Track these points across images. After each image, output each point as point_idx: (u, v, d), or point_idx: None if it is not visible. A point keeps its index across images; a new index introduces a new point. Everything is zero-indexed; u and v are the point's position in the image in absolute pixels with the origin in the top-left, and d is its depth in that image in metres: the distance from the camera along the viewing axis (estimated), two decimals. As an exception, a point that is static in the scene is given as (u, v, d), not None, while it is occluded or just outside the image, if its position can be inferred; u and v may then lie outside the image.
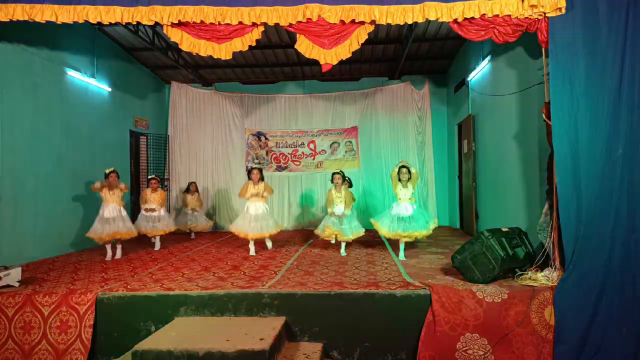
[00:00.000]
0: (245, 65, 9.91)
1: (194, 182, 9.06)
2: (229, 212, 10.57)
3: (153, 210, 7.14)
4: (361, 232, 6.36)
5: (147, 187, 7.52)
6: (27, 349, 4.13)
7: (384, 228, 5.90)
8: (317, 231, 6.52)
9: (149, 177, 7.64)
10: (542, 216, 4.61)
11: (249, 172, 6.71)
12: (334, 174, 6.55)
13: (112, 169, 6.49)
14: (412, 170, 5.94)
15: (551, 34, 4.13)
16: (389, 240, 7.15)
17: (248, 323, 3.99)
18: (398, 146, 10.49)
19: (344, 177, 6.55)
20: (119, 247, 6.40)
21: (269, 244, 6.86)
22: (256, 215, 6.47)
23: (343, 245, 6.39)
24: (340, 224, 6.29)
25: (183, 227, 8.55)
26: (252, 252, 6.50)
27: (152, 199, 7.25)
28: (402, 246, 5.95)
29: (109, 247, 6.28)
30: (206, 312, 4.22)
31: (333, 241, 7.02)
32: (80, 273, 5.38)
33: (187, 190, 8.87)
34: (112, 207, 6.27)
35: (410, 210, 5.86)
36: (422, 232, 5.77)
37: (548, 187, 4.55)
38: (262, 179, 6.60)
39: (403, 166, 5.97)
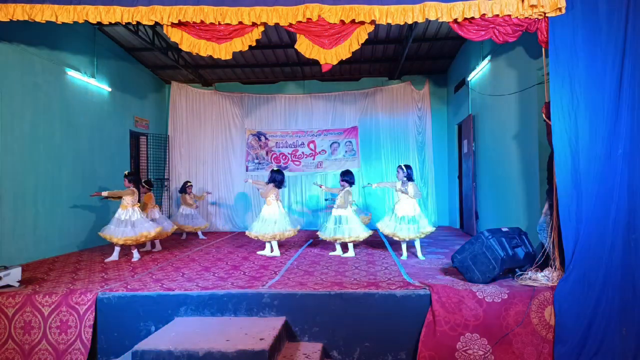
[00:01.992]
0: (245, 65, 9.91)
1: (191, 184, 9.05)
2: (229, 212, 10.58)
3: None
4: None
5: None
6: (27, 349, 4.13)
7: (384, 227, 6.00)
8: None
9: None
10: (542, 216, 4.61)
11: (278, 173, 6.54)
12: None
13: (126, 172, 6.48)
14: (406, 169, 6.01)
15: (551, 34, 4.13)
16: (389, 240, 7.17)
17: (248, 323, 3.99)
18: (398, 146, 10.50)
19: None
20: (135, 251, 6.29)
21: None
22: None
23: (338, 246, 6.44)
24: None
25: (184, 227, 8.60)
26: (267, 251, 6.47)
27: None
28: (404, 246, 5.99)
29: (117, 250, 6.24)
30: (206, 312, 4.22)
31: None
32: (80, 273, 5.38)
33: (184, 191, 8.84)
34: (128, 209, 6.22)
35: (411, 211, 5.89)
36: (410, 234, 5.80)
37: (548, 187, 4.55)
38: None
39: (399, 165, 6.09)
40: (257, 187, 6.83)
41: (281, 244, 7.25)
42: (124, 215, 6.19)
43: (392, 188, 6.30)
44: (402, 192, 5.94)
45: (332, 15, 4.31)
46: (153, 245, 7.22)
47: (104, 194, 6.25)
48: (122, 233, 6.05)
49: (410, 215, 5.86)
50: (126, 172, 6.55)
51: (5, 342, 4.15)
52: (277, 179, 6.51)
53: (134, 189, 6.39)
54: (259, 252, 6.49)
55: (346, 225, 6.22)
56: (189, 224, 8.64)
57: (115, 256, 6.23)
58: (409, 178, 5.96)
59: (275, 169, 6.72)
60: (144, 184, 7.50)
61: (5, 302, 4.23)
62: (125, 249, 6.49)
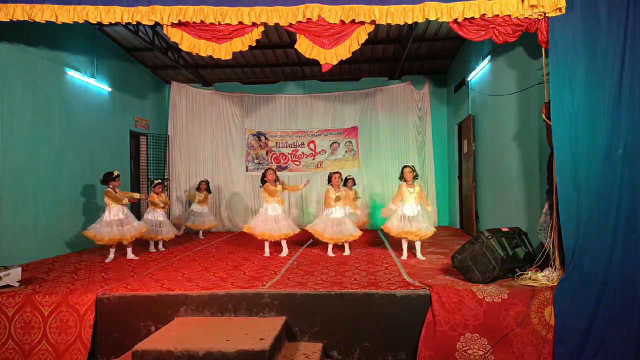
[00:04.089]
0: (245, 65, 9.91)
1: (204, 181, 9.05)
2: (229, 212, 10.58)
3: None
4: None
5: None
6: (27, 349, 4.13)
7: (390, 227, 5.95)
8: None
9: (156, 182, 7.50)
10: (542, 216, 4.60)
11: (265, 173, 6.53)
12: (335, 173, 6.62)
13: (117, 172, 6.45)
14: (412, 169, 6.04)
15: (551, 34, 4.13)
16: (389, 240, 7.17)
17: (248, 323, 3.99)
18: (398, 146, 10.50)
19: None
20: (129, 249, 6.35)
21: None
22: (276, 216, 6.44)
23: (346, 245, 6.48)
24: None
25: (191, 225, 8.66)
26: (267, 253, 6.43)
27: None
28: (404, 246, 6.00)
29: (112, 250, 6.26)
30: (206, 312, 4.22)
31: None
32: (80, 273, 5.38)
33: (198, 188, 8.97)
34: (117, 209, 6.21)
35: (416, 211, 5.91)
36: (427, 232, 5.84)
37: (548, 187, 4.55)
38: (277, 179, 6.60)
39: (406, 166, 6.07)
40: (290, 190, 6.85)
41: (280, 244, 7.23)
42: (115, 215, 6.24)
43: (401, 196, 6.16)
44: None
45: (332, 15, 4.31)
46: (156, 245, 7.22)
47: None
48: (118, 233, 6.13)
49: (415, 215, 5.87)
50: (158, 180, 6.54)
51: (5, 342, 4.15)
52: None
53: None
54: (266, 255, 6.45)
55: (344, 227, 6.30)
56: (202, 222, 8.72)
57: (111, 256, 6.25)
58: (401, 178, 6.03)
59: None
60: (165, 183, 7.47)
61: (5, 302, 4.24)
62: (122, 249, 6.50)
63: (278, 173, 10.38)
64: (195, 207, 8.87)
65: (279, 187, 6.52)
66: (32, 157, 6.42)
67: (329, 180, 6.58)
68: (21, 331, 4.17)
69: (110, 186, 6.25)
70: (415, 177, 6.01)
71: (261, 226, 6.30)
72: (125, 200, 6.24)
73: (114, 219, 6.14)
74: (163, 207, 7.23)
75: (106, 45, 8.35)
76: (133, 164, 9.53)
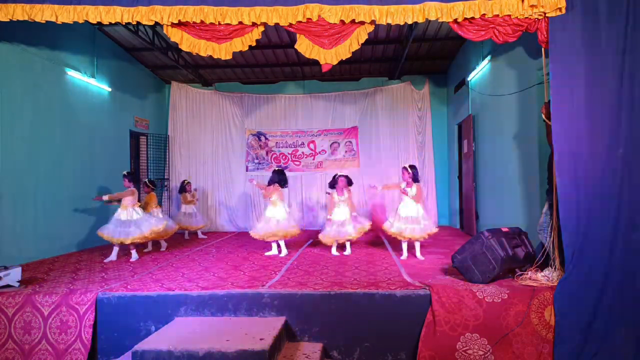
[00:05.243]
0: (245, 65, 9.91)
1: (188, 182, 9.03)
2: (229, 212, 10.58)
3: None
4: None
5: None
6: (27, 349, 4.13)
7: (388, 227, 5.99)
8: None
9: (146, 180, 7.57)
10: (542, 216, 4.61)
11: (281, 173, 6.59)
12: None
13: (125, 172, 6.46)
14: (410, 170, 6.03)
15: (551, 34, 4.13)
16: (389, 240, 7.17)
17: (248, 323, 3.99)
18: (398, 146, 10.49)
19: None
20: (133, 251, 6.30)
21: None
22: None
23: (348, 244, 6.49)
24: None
25: (186, 227, 8.60)
26: (285, 252, 6.45)
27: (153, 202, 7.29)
28: (404, 246, 6.00)
29: (115, 250, 6.24)
30: (206, 312, 4.22)
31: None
32: (80, 273, 5.38)
33: (184, 190, 8.83)
34: (121, 210, 6.21)
35: (414, 212, 5.89)
36: (414, 235, 5.82)
37: (548, 187, 4.55)
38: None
39: (404, 167, 6.09)
40: (260, 189, 6.86)
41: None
42: (124, 215, 6.18)
43: (398, 190, 6.29)
44: (406, 193, 5.94)
45: (332, 15, 4.30)
46: (158, 245, 7.22)
47: (105, 197, 6.24)
48: (125, 234, 6.02)
49: (413, 215, 5.85)
50: (125, 172, 6.55)
51: (5, 342, 4.15)
52: (275, 179, 6.49)
53: (134, 188, 6.38)
54: (267, 253, 6.47)
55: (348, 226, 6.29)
56: (191, 223, 8.65)
57: (113, 256, 6.22)
58: (414, 179, 5.95)
59: (276, 169, 6.71)
60: (148, 183, 7.48)
61: (5, 302, 4.23)
62: (124, 249, 6.48)
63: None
64: (187, 208, 8.75)
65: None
66: (32, 157, 6.42)
67: (334, 184, 6.53)
68: (21, 331, 4.17)
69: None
70: (414, 177, 5.94)
71: (260, 228, 6.39)
72: (105, 197, 6.26)
73: (123, 220, 6.15)
74: (145, 209, 7.21)
75: (106, 45, 8.35)
76: (133, 164, 9.53)
